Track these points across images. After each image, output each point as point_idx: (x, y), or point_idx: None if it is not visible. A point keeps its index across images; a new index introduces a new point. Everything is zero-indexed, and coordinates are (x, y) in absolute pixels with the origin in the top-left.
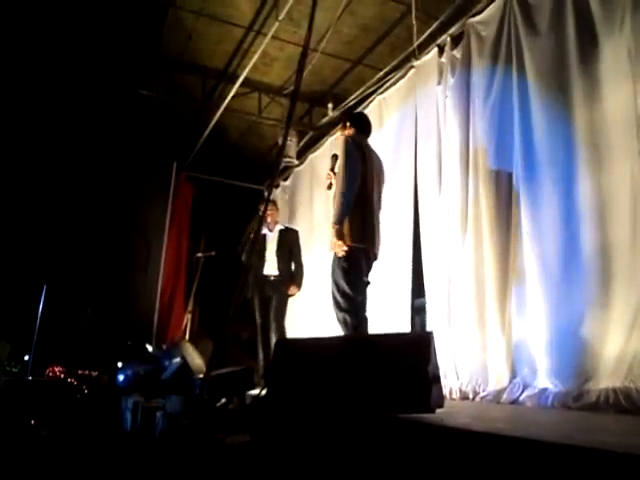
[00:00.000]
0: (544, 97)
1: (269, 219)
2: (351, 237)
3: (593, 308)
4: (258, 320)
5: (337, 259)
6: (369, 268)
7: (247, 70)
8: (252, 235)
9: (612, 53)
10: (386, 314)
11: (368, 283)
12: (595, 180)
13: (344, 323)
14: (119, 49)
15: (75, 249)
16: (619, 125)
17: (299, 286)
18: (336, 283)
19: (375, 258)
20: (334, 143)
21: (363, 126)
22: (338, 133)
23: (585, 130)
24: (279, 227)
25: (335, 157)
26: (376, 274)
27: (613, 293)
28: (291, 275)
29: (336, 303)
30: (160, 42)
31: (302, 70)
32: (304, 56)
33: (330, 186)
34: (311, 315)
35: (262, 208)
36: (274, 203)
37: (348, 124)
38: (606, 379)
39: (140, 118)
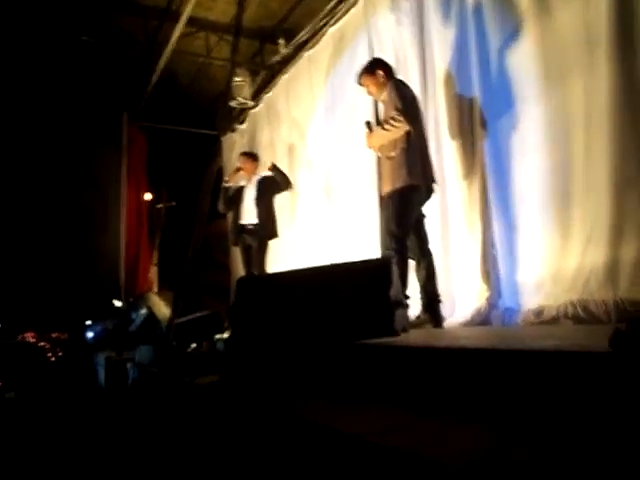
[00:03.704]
0: (497, 15)
1: (243, 172)
2: (408, 174)
3: (552, 225)
4: (243, 267)
5: (390, 197)
6: (422, 203)
7: (190, 6)
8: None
9: None
10: (357, 242)
11: (424, 216)
12: (549, 98)
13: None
14: None
15: (27, 211)
16: (570, 41)
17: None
18: (386, 221)
19: (431, 191)
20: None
21: (391, 68)
22: (369, 85)
23: (538, 47)
24: (257, 178)
25: (368, 123)
26: (345, 206)
27: (570, 210)
28: (271, 223)
29: (384, 241)
30: None
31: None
32: None
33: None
34: (294, 254)
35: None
36: (249, 156)
37: (380, 72)
38: (565, 293)
39: (83, 67)
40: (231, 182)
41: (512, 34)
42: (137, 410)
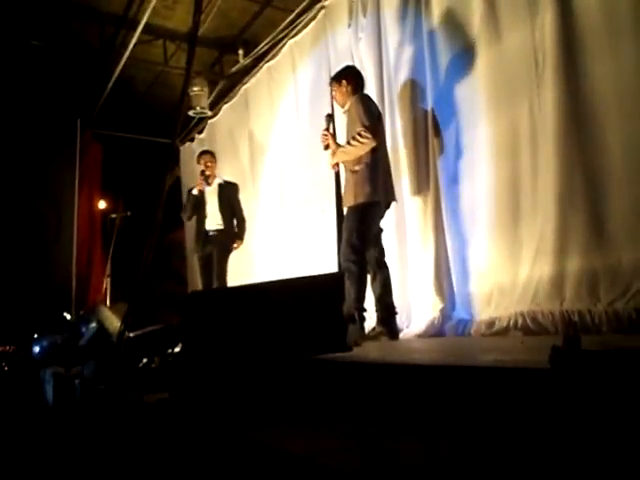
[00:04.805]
0: (450, 35)
1: (208, 172)
2: (371, 190)
3: (502, 239)
4: (200, 278)
5: (352, 211)
6: (382, 217)
7: (147, 14)
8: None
9: None
10: (314, 257)
11: (382, 230)
12: (498, 116)
13: (348, 271)
14: None
15: None
16: (518, 62)
17: (242, 239)
18: (347, 233)
19: (389, 206)
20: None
21: (362, 81)
22: (335, 91)
23: (487, 67)
24: (218, 181)
25: (330, 116)
26: (304, 218)
27: (519, 224)
28: (234, 229)
29: (344, 253)
30: None
31: (200, 8)
32: None
33: (327, 147)
34: (252, 266)
35: (170, 165)
36: (212, 155)
37: (345, 82)
38: (514, 305)
39: (35, 72)
40: (198, 188)
41: (463, 54)
42: (81, 430)
